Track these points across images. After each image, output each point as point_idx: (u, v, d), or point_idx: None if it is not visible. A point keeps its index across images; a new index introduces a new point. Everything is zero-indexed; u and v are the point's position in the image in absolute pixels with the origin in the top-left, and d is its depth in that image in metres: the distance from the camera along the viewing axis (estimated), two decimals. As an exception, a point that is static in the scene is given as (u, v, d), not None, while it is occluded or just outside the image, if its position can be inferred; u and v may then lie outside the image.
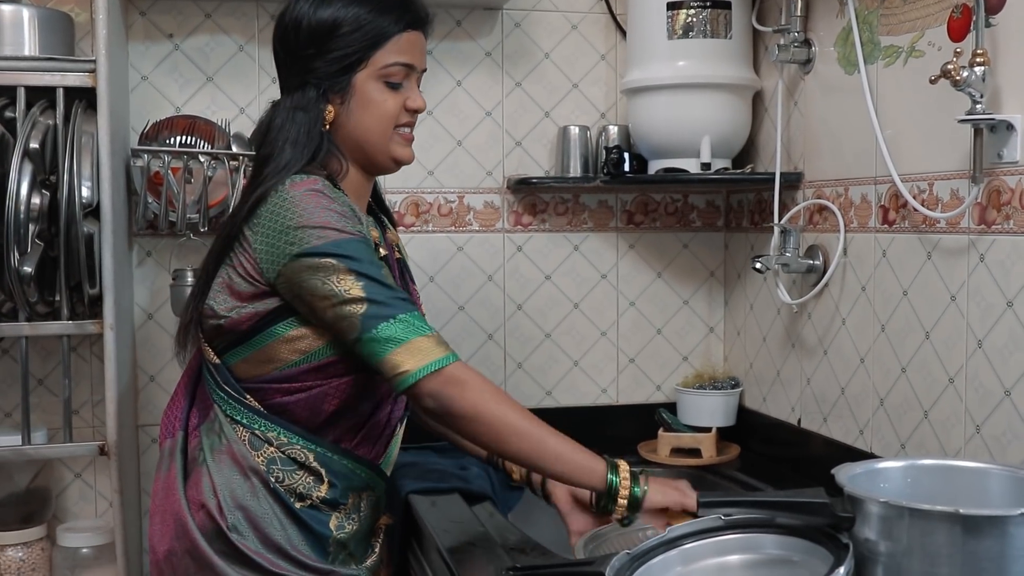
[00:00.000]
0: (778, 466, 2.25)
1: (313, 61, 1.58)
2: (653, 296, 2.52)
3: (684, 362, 2.55)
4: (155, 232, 2.25)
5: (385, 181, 2.35)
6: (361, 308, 1.45)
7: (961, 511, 1.22)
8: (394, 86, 1.60)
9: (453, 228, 2.41)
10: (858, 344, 1.99)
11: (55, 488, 2.28)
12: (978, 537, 1.22)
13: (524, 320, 2.46)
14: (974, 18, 1.60)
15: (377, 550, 1.70)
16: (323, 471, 1.57)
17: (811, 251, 2.11)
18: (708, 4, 2.18)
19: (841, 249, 2.01)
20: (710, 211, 2.54)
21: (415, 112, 1.64)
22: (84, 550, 2.15)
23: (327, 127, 1.59)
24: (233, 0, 2.27)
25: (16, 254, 1.91)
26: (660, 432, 2.35)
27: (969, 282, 1.69)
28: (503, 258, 2.44)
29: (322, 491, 1.58)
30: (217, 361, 1.59)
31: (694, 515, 1.49)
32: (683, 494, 1.51)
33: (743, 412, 2.42)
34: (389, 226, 1.78)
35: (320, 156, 1.58)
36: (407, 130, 1.64)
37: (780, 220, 2.15)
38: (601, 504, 1.52)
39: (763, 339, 2.35)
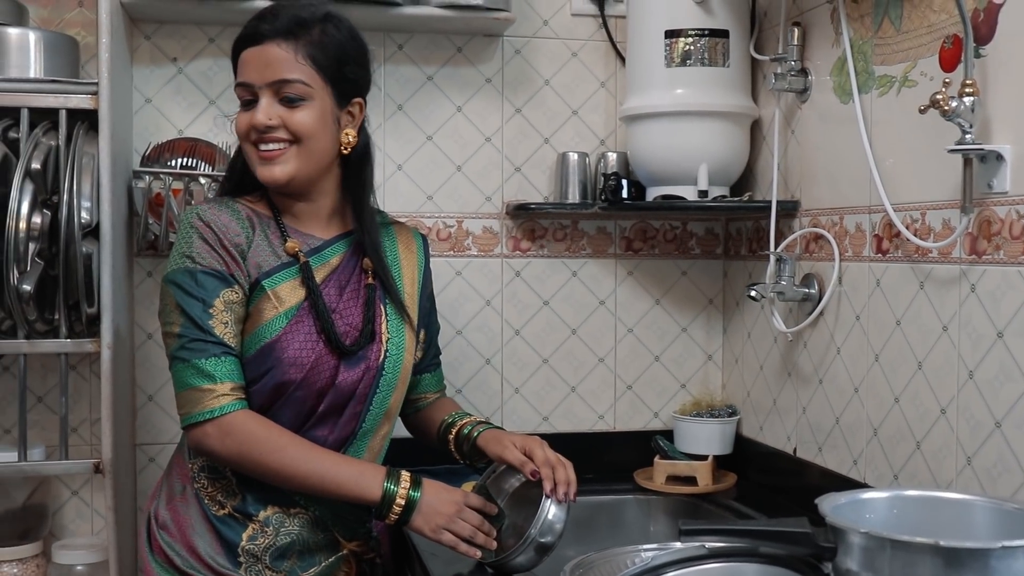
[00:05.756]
0: (774, 495, 2.24)
1: None
2: (651, 323, 2.52)
3: (682, 389, 2.54)
4: (156, 253, 2.27)
5: (384, 204, 2.36)
6: (173, 343, 1.60)
7: (942, 543, 1.22)
8: (247, 106, 1.66)
9: (452, 252, 2.42)
10: (852, 374, 1.98)
11: (52, 505, 2.29)
12: (959, 570, 1.22)
13: (522, 345, 2.47)
14: (964, 49, 1.61)
15: (313, 570, 1.69)
16: (234, 481, 1.65)
17: (806, 279, 2.11)
18: (706, 32, 2.19)
19: (836, 278, 2.01)
20: (709, 238, 2.55)
21: (256, 128, 1.63)
22: (79, 567, 2.16)
23: None
24: (236, 25, 2.24)
25: (16, 272, 1.93)
26: (656, 459, 2.34)
27: (960, 312, 1.68)
28: (501, 283, 2.45)
29: (236, 501, 1.65)
30: None
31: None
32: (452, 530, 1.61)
33: (740, 440, 2.41)
34: (372, 251, 1.75)
35: (248, 182, 1.71)
36: (264, 147, 1.64)
37: (776, 248, 2.15)
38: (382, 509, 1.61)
39: (760, 367, 2.34)
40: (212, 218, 1.63)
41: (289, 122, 1.62)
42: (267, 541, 1.65)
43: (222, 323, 1.59)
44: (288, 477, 1.58)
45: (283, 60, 1.62)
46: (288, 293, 1.64)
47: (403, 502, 1.58)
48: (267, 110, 1.62)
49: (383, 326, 1.72)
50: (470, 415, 1.83)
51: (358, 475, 1.59)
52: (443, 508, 1.60)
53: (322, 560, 1.70)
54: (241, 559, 1.64)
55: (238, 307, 1.61)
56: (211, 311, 1.58)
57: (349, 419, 1.68)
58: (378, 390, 1.70)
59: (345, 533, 1.72)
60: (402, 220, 2.34)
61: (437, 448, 1.84)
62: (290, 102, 1.62)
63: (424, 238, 1.92)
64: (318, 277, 1.67)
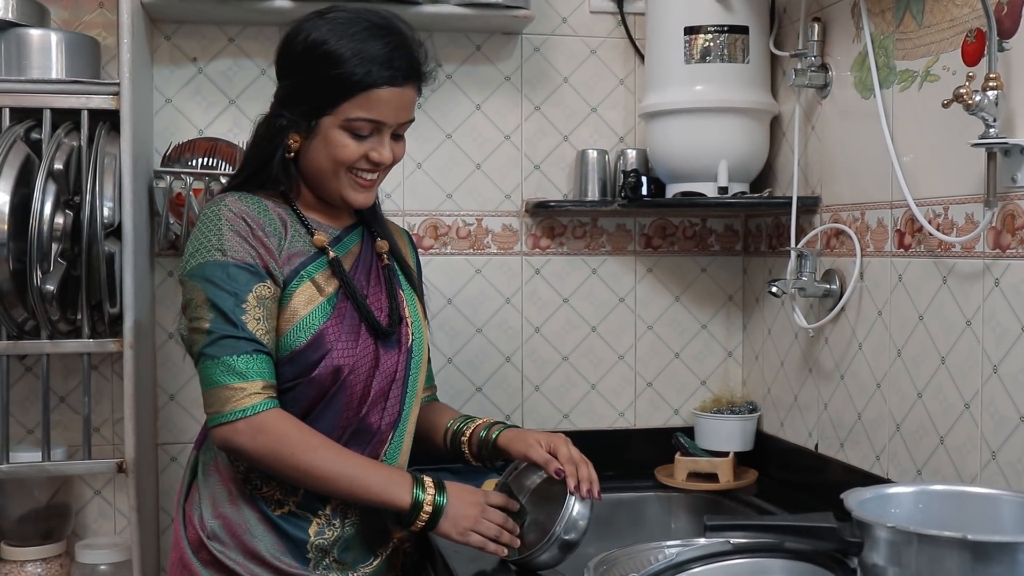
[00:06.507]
0: (795, 492, 2.23)
1: (291, 92, 1.63)
2: (671, 320, 2.52)
3: (702, 386, 2.54)
4: (177, 252, 2.28)
5: (404, 202, 2.37)
6: (202, 339, 1.54)
7: (969, 537, 1.22)
8: (359, 137, 1.62)
9: (471, 251, 2.42)
10: (874, 369, 1.98)
11: (75, 505, 2.30)
12: (987, 563, 1.21)
13: (541, 343, 2.47)
14: (988, 42, 1.60)
15: (376, 562, 1.70)
16: None
17: (828, 275, 2.10)
18: (726, 29, 2.19)
19: (857, 273, 2.01)
20: (728, 235, 2.54)
21: (377, 164, 1.64)
22: (102, 567, 2.17)
23: (291, 154, 1.65)
24: (256, 25, 2.30)
25: (39, 272, 1.94)
26: (677, 456, 2.34)
27: (984, 307, 1.68)
28: (521, 281, 2.45)
29: (298, 496, 1.62)
30: None
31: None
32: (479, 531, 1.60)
33: (761, 437, 2.41)
34: (385, 235, 1.79)
35: (271, 178, 1.65)
36: (366, 175, 1.65)
37: (797, 244, 2.14)
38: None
39: (781, 364, 2.34)
40: (243, 209, 1.59)
41: (397, 155, 1.66)
42: (335, 533, 1.64)
43: (254, 319, 1.54)
44: (318, 478, 1.55)
45: (412, 102, 1.65)
46: (325, 282, 1.63)
47: (430, 508, 1.57)
48: (389, 147, 1.64)
49: (406, 309, 1.74)
50: (477, 418, 1.81)
51: (386, 481, 1.58)
52: (468, 511, 1.59)
53: (381, 552, 1.71)
54: (310, 555, 1.62)
55: (270, 303, 1.57)
56: (244, 306, 1.53)
57: (394, 402, 1.68)
58: (411, 371, 1.71)
59: (395, 523, 1.72)
60: (421, 218, 2.37)
61: (440, 451, 1.83)
62: (399, 137, 1.67)
63: (409, 234, 1.94)
64: (345, 265, 1.67)
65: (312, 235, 1.66)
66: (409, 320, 1.73)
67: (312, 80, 1.60)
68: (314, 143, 1.63)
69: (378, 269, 1.74)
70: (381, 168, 1.66)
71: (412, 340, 1.72)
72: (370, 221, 1.79)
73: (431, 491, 1.58)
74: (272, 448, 1.53)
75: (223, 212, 1.58)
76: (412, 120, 1.67)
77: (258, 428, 1.52)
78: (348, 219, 1.76)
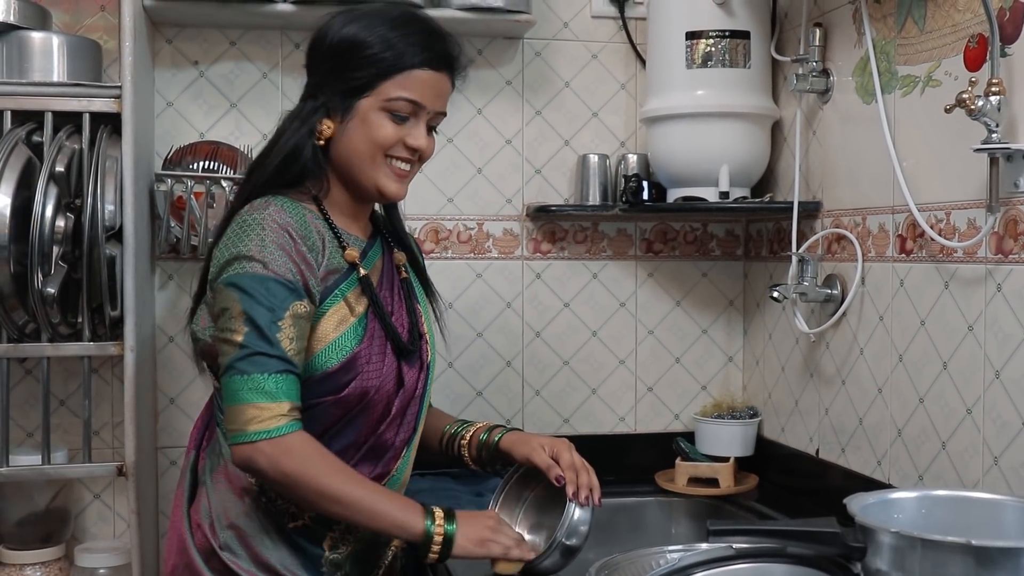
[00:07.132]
0: (796, 497, 2.23)
1: (326, 77, 1.60)
2: (672, 325, 2.52)
3: (703, 391, 2.54)
4: (177, 256, 2.28)
5: (405, 207, 2.37)
6: (233, 352, 1.48)
7: (973, 542, 1.22)
8: (398, 119, 1.59)
9: (472, 255, 2.42)
10: (876, 374, 1.97)
11: (74, 508, 2.29)
12: (991, 569, 1.21)
13: (542, 347, 2.47)
14: (990, 48, 1.60)
15: (379, 572, 1.69)
16: None
17: (829, 280, 2.10)
18: (727, 34, 2.19)
19: (859, 278, 2.01)
20: (729, 240, 2.54)
21: (413, 150, 1.61)
22: (101, 571, 2.16)
23: (322, 142, 1.61)
24: (257, 29, 2.30)
25: (40, 275, 1.94)
26: (678, 461, 2.34)
27: (986, 312, 1.68)
28: (522, 285, 2.45)
29: (312, 511, 1.58)
30: (217, 384, 1.61)
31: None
32: (497, 541, 1.55)
33: (762, 442, 2.41)
34: (404, 245, 1.78)
35: (301, 169, 1.61)
36: (401, 164, 1.62)
37: (798, 249, 2.15)
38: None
39: (782, 369, 2.34)
40: (288, 222, 1.53)
41: (429, 148, 1.64)
42: (349, 548, 1.62)
43: (288, 338, 1.48)
44: (334, 502, 1.50)
45: (448, 93, 1.65)
46: (356, 301, 1.60)
47: (440, 538, 1.51)
48: (425, 135, 1.62)
49: (424, 324, 1.72)
50: (476, 422, 1.79)
51: (400, 515, 1.52)
52: (482, 530, 1.55)
53: (382, 563, 1.69)
54: (324, 569, 1.60)
55: (304, 323, 1.51)
56: (280, 324, 1.48)
57: (411, 419, 1.66)
58: (427, 387, 1.70)
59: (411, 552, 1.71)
60: (422, 222, 2.37)
61: (435, 456, 1.80)
62: (432, 129, 1.65)
63: (414, 239, 1.90)
64: (372, 281, 1.64)
65: (344, 249, 1.62)
66: (427, 336, 1.72)
67: (350, 63, 1.57)
68: (350, 127, 1.59)
69: (398, 283, 1.72)
70: (416, 158, 1.63)
71: (430, 356, 1.71)
72: (399, 229, 1.77)
73: (440, 521, 1.52)
74: (292, 472, 1.48)
75: (267, 222, 1.52)
76: (445, 114, 1.66)
77: (282, 451, 1.47)
78: (370, 227, 1.73)
